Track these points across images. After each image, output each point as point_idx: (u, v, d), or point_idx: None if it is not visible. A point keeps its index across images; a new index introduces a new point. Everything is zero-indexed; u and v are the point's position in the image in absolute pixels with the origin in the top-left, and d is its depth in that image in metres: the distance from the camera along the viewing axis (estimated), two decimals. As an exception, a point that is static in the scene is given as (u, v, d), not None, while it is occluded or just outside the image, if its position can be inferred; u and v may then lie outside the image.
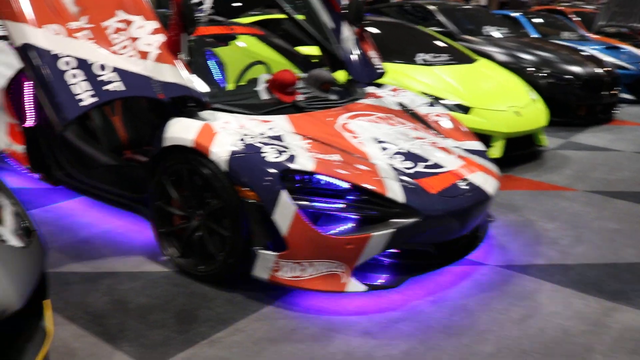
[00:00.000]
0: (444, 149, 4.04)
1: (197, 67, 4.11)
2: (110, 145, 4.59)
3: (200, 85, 3.75)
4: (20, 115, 4.56)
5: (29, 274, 2.62)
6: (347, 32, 4.92)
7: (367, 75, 4.92)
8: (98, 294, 3.52)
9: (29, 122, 4.52)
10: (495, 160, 4.32)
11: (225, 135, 3.47)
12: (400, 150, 3.81)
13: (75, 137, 4.48)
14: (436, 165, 3.80)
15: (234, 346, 3.10)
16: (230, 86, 4.58)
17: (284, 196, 3.24)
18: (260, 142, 3.44)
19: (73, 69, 3.33)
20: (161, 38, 3.62)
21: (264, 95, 4.16)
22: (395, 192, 3.44)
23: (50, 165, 4.57)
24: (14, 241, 2.67)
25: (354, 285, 3.38)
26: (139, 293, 3.54)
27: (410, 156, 3.79)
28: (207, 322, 3.28)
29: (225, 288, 3.58)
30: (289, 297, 3.52)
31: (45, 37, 3.34)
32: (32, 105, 4.50)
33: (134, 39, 3.54)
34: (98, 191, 4.38)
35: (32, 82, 4.41)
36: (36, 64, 3.33)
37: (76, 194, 4.67)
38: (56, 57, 3.31)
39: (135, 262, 3.89)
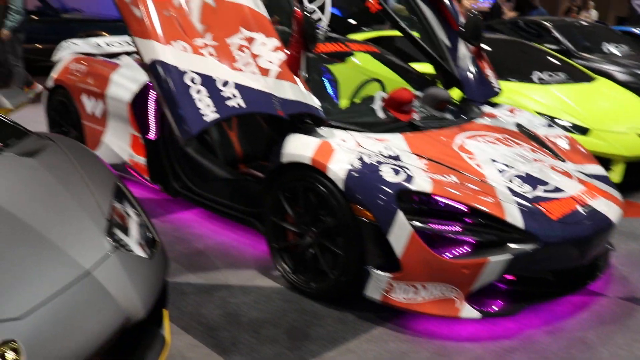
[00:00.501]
0: (563, 172, 3.89)
1: (313, 83, 4.14)
2: (226, 159, 4.69)
3: (318, 102, 3.77)
4: (143, 128, 4.74)
5: (152, 284, 2.70)
6: (464, 50, 4.84)
7: (483, 94, 4.82)
8: (212, 305, 3.59)
9: (151, 134, 4.70)
10: (615, 185, 4.12)
11: (342, 153, 3.47)
12: (519, 173, 3.70)
13: (193, 151, 4.62)
14: (556, 190, 3.66)
15: (345, 366, 3.08)
16: (345, 103, 4.60)
17: (401, 217, 3.21)
18: (377, 161, 3.42)
19: (197, 84, 3.43)
20: (282, 55, 3.67)
21: (380, 114, 4.14)
22: (514, 216, 3.33)
23: (169, 177, 4.72)
24: (139, 251, 2.76)
25: (468, 311, 3.30)
26: (251, 307, 3.58)
27: (529, 179, 3.67)
28: (318, 340, 3.28)
29: (337, 306, 3.58)
30: (401, 320, 3.48)
31: (173, 54, 3.45)
32: (155, 119, 4.67)
33: (256, 56, 3.60)
34: (214, 204, 4.49)
35: (155, 97, 4.60)
36: (163, 80, 3.45)
37: (193, 205, 4.81)
38: (182, 73, 3.42)
39: (248, 275, 3.95)
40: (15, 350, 2.08)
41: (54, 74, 5.71)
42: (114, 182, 3.07)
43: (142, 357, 2.68)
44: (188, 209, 4.97)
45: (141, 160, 4.79)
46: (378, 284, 3.35)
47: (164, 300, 2.85)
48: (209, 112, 3.42)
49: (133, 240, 2.80)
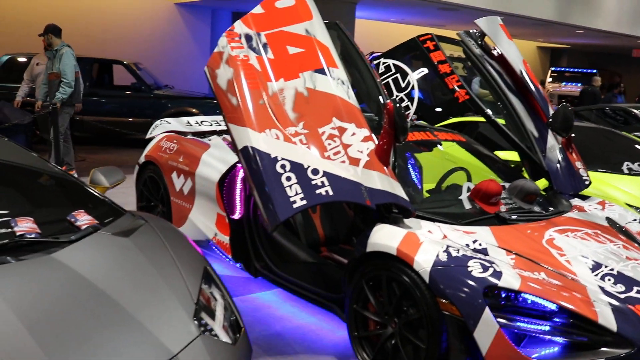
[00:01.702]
0: (658, 272, 3.74)
1: (399, 170, 4.17)
2: (308, 241, 4.73)
3: (404, 194, 3.78)
4: (229, 207, 4.85)
5: (236, 370, 2.71)
6: (553, 141, 4.79)
7: (573, 187, 4.73)
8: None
9: (236, 214, 4.80)
10: None
11: (429, 245, 3.45)
12: (611, 272, 3.57)
13: (276, 232, 4.68)
14: (650, 291, 3.51)
15: None
16: (431, 192, 4.59)
17: (487, 313, 3.13)
18: (464, 255, 3.38)
19: (288, 171, 3.51)
20: (371, 145, 3.72)
21: (467, 204, 4.12)
22: (607, 318, 3.20)
23: (251, 257, 4.78)
24: (224, 337, 2.79)
25: (558, 415, 3.15)
26: (330, 396, 3.53)
27: (622, 279, 3.54)
28: None
29: (417, 401, 3.48)
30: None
31: (265, 141, 3.56)
32: (241, 199, 4.77)
33: (346, 146, 3.66)
34: (294, 286, 4.50)
35: (242, 178, 4.71)
36: (254, 166, 3.55)
37: (273, 286, 4.83)
38: (274, 161, 3.51)
39: (326, 362, 3.91)
40: None
41: (146, 150, 5.94)
42: (203, 265, 3.13)
43: None
44: (268, 289, 5.00)
45: (225, 238, 4.88)
46: (462, 381, 3.26)
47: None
48: (298, 200, 3.47)
49: (218, 325, 2.83)
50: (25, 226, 3.02)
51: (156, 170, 5.75)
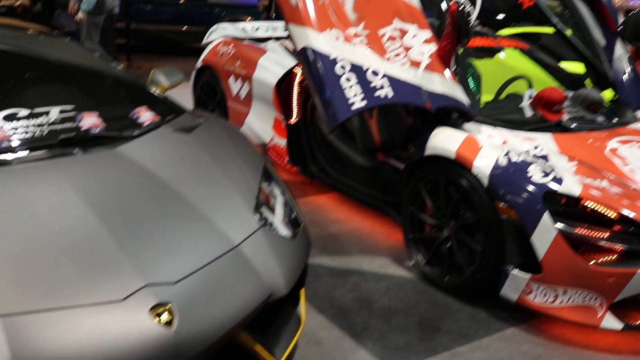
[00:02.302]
0: None
1: (461, 78, 4.09)
2: (364, 147, 4.73)
3: (466, 97, 3.72)
4: (286, 111, 4.86)
5: (295, 263, 2.78)
6: (621, 51, 4.62)
7: (639, 98, 4.58)
8: (344, 289, 3.65)
9: (293, 118, 4.81)
10: None
11: (489, 149, 3.42)
12: (675, 183, 3.50)
13: (333, 136, 4.69)
14: None
15: (476, 363, 3.05)
16: (491, 100, 4.51)
17: (546, 218, 3.12)
18: (525, 160, 3.34)
19: (347, 73, 3.48)
20: (433, 48, 3.65)
21: (528, 112, 4.04)
22: (668, 227, 3.16)
23: (308, 160, 4.82)
24: (284, 230, 2.85)
25: (610, 321, 3.16)
26: (383, 294, 3.61)
27: (685, 190, 3.47)
28: (449, 334, 3.26)
29: (469, 302, 3.54)
30: (535, 322, 3.39)
31: (326, 42, 3.52)
32: (298, 103, 4.78)
33: (407, 48, 3.61)
34: (350, 189, 4.55)
35: (299, 82, 4.70)
36: (314, 66, 3.52)
37: (328, 189, 4.89)
38: (334, 61, 3.48)
39: (380, 263, 3.97)
40: (169, 312, 2.21)
41: (203, 55, 5.95)
42: (262, 163, 3.18)
43: (278, 334, 2.77)
44: (324, 193, 5.05)
45: (282, 142, 4.92)
46: (516, 284, 3.28)
47: (303, 280, 2.92)
48: (357, 101, 3.46)
49: (278, 220, 2.89)
50: (90, 121, 3.09)
51: (213, 75, 5.78)
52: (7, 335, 2.01)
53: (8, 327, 2.03)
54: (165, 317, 2.19)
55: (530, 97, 4.10)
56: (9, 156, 2.74)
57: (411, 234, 3.84)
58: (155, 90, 3.64)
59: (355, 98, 3.47)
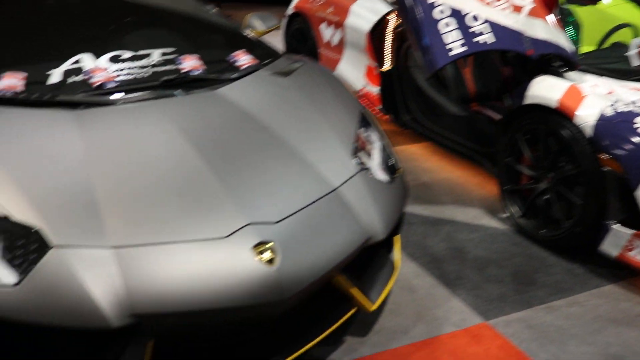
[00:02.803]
0: None
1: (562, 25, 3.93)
2: (458, 96, 4.63)
3: (570, 44, 3.57)
4: (379, 58, 4.80)
5: (392, 208, 2.77)
6: None
7: None
8: (437, 238, 3.63)
9: (386, 65, 4.75)
10: None
11: (594, 99, 3.28)
12: None
13: (426, 85, 4.62)
14: None
15: (572, 318, 2.98)
16: (594, 49, 4.32)
17: (653, 172, 3.00)
18: (631, 111, 3.19)
19: (447, 18, 3.39)
20: (537, -8, 3.51)
21: (635, 61, 3.84)
22: None
23: (400, 109, 4.77)
24: (381, 176, 2.84)
25: None
26: (477, 245, 3.57)
27: None
28: (544, 288, 3.21)
29: (565, 257, 3.46)
30: (636, 280, 3.28)
31: None
32: (392, 50, 4.71)
33: (510, -8, 3.48)
34: (442, 139, 4.48)
35: (393, 29, 4.62)
36: (412, 12, 3.44)
37: (420, 139, 4.83)
38: (432, 6, 3.39)
39: (473, 213, 3.92)
40: (271, 251, 2.25)
41: (295, 2, 5.92)
42: (359, 109, 3.16)
43: (373, 279, 2.78)
44: (415, 142, 5.00)
45: (374, 89, 4.88)
46: (617, 239, 3.17)
47: (399, 227, 2.91)
48: (457, 46, 3.37)
49: (376, 165, 2.88)
50: (190, 64, 3.13)
51: (304, 21, 5.75)
52: (120, 265, 2.10)
53: (121, 257, 2.12)
54: (267, 255, 2.23)
55: (637, 46, 3.90)
56: (114, 97, 2.82)
57: (507, 185, 3.76)
58: (251, 35, 3.65)
59: (455, 44, 3.38)
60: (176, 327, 2.20)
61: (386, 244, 2.83)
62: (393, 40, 4.71)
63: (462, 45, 3.38)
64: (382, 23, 4.78)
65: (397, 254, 2.97)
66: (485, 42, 3.38)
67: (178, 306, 2.09)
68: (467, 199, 4.11)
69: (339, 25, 5.18)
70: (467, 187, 4.29)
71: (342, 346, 2.72)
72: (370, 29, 4.81)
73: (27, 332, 2.08)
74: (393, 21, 4.71)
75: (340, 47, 5.23)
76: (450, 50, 3.38)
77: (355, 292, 2.61)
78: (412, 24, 3.46)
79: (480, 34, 3.39)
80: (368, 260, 2.75)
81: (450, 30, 3.39)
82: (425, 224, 3.78)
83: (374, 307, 2.67)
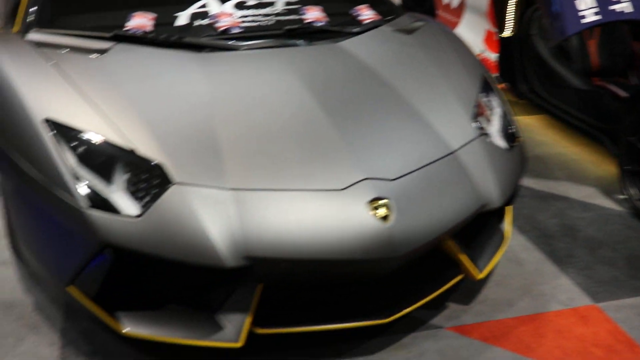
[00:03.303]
0: None
1: None
2: (580, 68, 4.44)
3: None
4: (500, 24, 4.64)
5: (510, 177, 2.68)
6: None
7: None
8: (548, 214, 3.51)
9: (507, 32, 4.58)
10: None
11: None
12: None
13: (548, 55, 4.43)
14: None
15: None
16: None
17: None
18: None
19: (581, -17, 3.22)
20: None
21: None
22: None
23: (518, 78, 4.61)
24: (500, 142, 2.75)
25: None
26: (589, 224, 3.43)
27: None
28: (661, 276, 3.06)
29: (687, 245, 3.28)
30: None
31: None
32: (514, 16, 4.53)
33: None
34: (560, 112, 4.30)
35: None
36: (546, -26, 3.29)
37: (535, 111, 4.66)
38: (568, -31, 3.23)
39: (588, 192, 3.77)
40: (386, 208, 2.22)
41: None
42: (482, 72, 3.06)
43: (482, 247, 2.72)
44: (531, 114, 4.83)
45: (492, 56, 4.73)
46: None
47: (513, 197, 2.82)
48: (590, 14, 3.20)
49: (495, 131, 2.79)
50: (314, 15, 3.11)
51: (423, -18, 5.63)
52: (237, 208, 2.13)
53: (238, 200, 2.14)
54: (382, 211, 2.20)
55: None
56: (239, 42, 2.84)
57: (628, 166, 3.58)
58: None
59: (588, 11, 3.21)
60: (285, 274, 2.21)
61: (498, 213, 2.76)
62: (517, 4, 4.53)
63: (596, 13, 3.20)
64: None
65: (507, 225, 2.89)
66: (622, 11, 3.20)
67: (290, 253, 2.11)
68: (581, 176, 3.95)
69: (460, -13, 5.05)
70: (582, 164, 4.11)
71: (445, 312, 2.68)
72: (496, -7, 4.65)
73: (143, 260, 2.15)
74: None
75: (459, 10, 5.09)
76: (583, 17, 3.21)
77: (464, 258, 2.55)
78: (545, -12, 3.32)
79: (618, 1, 3.21)
80: (479, 228, 2.69)
81: (584, -2, 3.22)
82: (537, 198, 3.66)
83: (481, 275, 2.61)
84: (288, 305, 2.35)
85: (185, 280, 2.28)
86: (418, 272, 2.53)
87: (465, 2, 4.99)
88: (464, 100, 2.79)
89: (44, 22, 2.85)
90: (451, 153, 2.53)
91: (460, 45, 3.23)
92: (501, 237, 2.82)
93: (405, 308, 2.40)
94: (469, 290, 2.82)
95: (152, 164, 2.18)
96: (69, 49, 2.65)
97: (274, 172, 2.24)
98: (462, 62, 3.05)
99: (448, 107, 2.73)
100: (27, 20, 2.84)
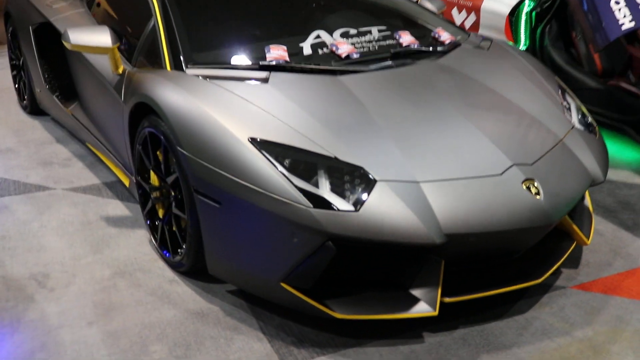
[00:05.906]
0: None
1: None
2: (589, 72, 5.07)
3: None
4: (515, 39, 5.26)
5: (604, 156, 3.24)
6: None
7: None
8: (602, 194, 4.03)
9: (522, 45, 5.21)
10: None
11: None
12: None
13: (563, 62, 5.06)
14: None
15: None
16: None
17: None
18: None
19: (618, -4, 3.86)
20: None
21: None
22: None
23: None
24: (583, 129, 3.30)
25: None
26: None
27: None
28: None
29: None
30: None
31: None
32: (530, 32, 5.16)
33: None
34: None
35: (530, 10, 5.07)
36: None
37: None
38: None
39: (625, 174, 4.33)
40: (534, 186, 2.74)
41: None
42: (554, 76, 3.64)
43: (581, 220, 3.26)
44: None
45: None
46: None
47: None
48: (626, 22, 3.84)
49: (576, 122, 3.32)
50: (407, 39, 3.61)
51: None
52: (429, 195, 2.60)
53: (428, 189, 2.63)
54: (534, 189, 2.72)
55: None
56: (364, 66, 3.32)
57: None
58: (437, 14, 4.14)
59: (625, 19, 3.84)
60: (469, 247, 2.69)
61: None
62: (526, 21, 5.16)
63: (631, 20, 3.84)
64: (519, 5, 5.23)
65: (589, 202, 3.44)
66: (653, 18, 3.84)
67: (477, 227, 2.58)
68: (615, 163, 4.51)
69: (472, 9, 5.64)
70: (611, 154, 4.71)
71: (562, 276, 3.20)
72: (510, 12, 5.27)
73: (355, 250, 2.59)
74: (527, 4, 5.17)
75: (473, 30, 5.69)
76: (622, 25, 3.84)
77: (576, 229, 3.09)
78: (586, 2, 3.93)
79: (649, 10, 3.85)
80: (580, 202, 3.23)
81: (620, 8, 3.85)
82: (587, 182, 4.23)
83: (589, 241, 3.16)
84: (462, 277, 2.81)
85: (379, 264, 2.71)
86: (541, 245, 3.04)
87: (479, 22, 5.59)
88: (553, 98, 3.35)
89: (189, 60, 3.25)
90: (560, 140, 3.07)
91: (527, 55, 3.79)
92: (588, 211, 3.38)
93: (548, 270, 2.91)
94: (571, 258, 3.34)
95: (355, 167, 2.62)
96: (232, 80, 3.07)
97: (449, 165, 2.74)
98: (536, 68, 3.61)
99: (544, 105, 3.28)
100: (180, 58, 3.24)
